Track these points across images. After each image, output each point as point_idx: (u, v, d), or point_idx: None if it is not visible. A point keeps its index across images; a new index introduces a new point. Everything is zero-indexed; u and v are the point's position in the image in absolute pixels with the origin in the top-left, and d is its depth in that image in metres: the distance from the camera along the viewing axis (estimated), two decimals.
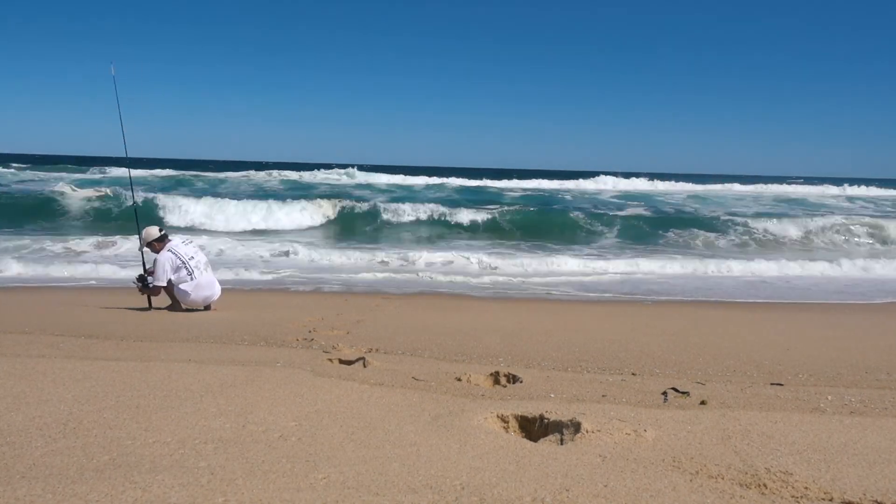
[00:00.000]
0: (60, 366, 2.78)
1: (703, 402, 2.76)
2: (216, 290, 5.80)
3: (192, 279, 5.64)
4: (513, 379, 3.21)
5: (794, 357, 4.20)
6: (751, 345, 4.60)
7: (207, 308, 5.79)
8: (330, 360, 3.57)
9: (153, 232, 5.84)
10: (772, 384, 3.33)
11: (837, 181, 45.61)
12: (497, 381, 3.22)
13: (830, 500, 1.74)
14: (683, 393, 2.94)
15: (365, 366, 3.40)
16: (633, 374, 3.61)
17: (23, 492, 1.53)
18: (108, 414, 2.15)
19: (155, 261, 5.69)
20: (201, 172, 33.79)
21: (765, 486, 1.80)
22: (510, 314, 5.94)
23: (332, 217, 17.04)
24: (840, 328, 5.64)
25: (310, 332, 4.71)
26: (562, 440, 2.15)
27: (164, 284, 5.62)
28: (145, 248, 5.83)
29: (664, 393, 2.94)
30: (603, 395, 2.86)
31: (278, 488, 1.62)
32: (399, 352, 4.06)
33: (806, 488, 1.79)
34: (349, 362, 3.53)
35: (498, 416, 2.36)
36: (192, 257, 5.73)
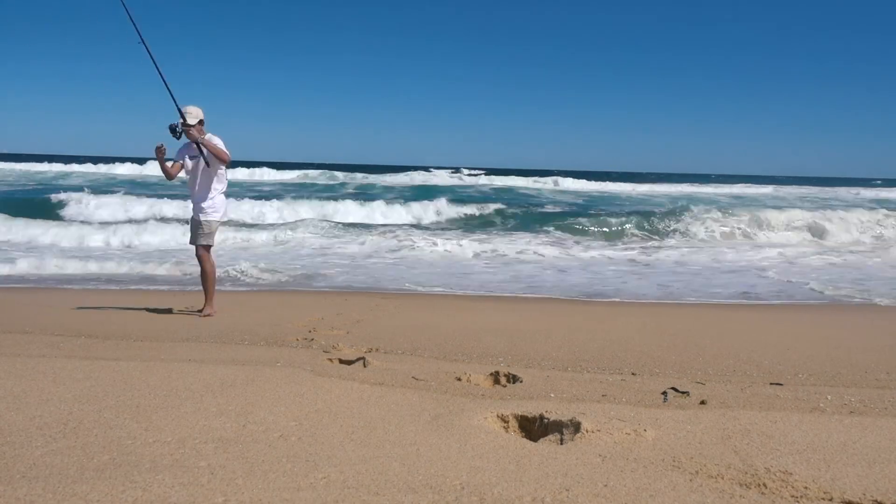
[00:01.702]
0: (60, 366, 2.78)
1: (703, 402, 2.76)
2: None
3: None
4: (513, 379, 3.21)
5: (794, 357, 4.20)
6: (751, 345, 4.60)
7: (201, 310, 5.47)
8: (330, 359, 3.57)
9: (201, 112, 5.20)
10: (772, 384, 3.33)
11: None
12: (497, 381, 3.22)
13: (830, 499, 1.74)
14: (683, 393, 2.94)
15: (365, 366, 3.40)
16: (633, 373, 3.61)
17: (23, 491, 1.53)
18: (108, 414, 2.15)
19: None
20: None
21: (765, 485, 1.80)
22: (510, 314, 5.94)
23: None
24: (840, 328, 5.63)
25: (310, 331, 4.71)
26: (562, 440, 2.15)
27: (228, 154, 5.12)
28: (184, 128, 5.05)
29: (664, 393, 2.94)
30: (603, 395, 2.86)
31: (278, 488, 1.62)
32: (399, 352, 4.06)
33: (806, 488, 1.79)
34: (349, 362, 3.53)
35: (498, 416, 2.36)
36: None
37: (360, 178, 35.38)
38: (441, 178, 38.07)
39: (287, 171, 37.98)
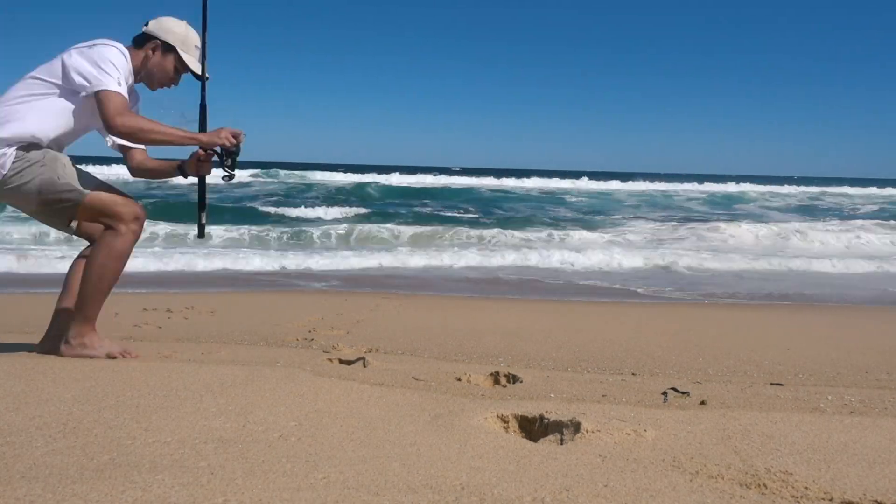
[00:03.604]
0: (60, 365, 2.78)
1: (703, 402, 2.76)
2: None
3: None
4: (513, 379, 3.21)
5: (794, 357, 4.20)
6: (751, 345, 4.60)
7: None
8: (330, 359, 3.57)
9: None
10: (772, 384, 3.33)
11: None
12: (497, 381, 3.22)
13: (830, 499, 1.74)
14: (683, 393, 2.94)
15: (365, 366, 3.40)
16: (633, 374, 3.61)
17: (23, 491, 1.53)
18: (108, 414, 2.15)
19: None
20: None
21: (765, 486, 1.80)
22: (510, 314, 5.94)
23: None
24: (840, 328, 5.63)
25: (310, 331, 4.71)
26: (562, 440, 2.15)
27: None
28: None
29: (664, 393, 2.94)
30: (603, 395, 2.86)
31: (278, 488, 1.61)
32: (399, 352, 4.06)
33: (806, 488, 1.79)
34: (349, 362, 3.53)
35: (498, 416, 2.36)
36: None
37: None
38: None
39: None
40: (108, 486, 1.58)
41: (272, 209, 19.29)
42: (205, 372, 2.76)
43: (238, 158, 3.00)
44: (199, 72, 3.06)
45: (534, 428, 2.33)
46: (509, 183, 38.51)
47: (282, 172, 37.35)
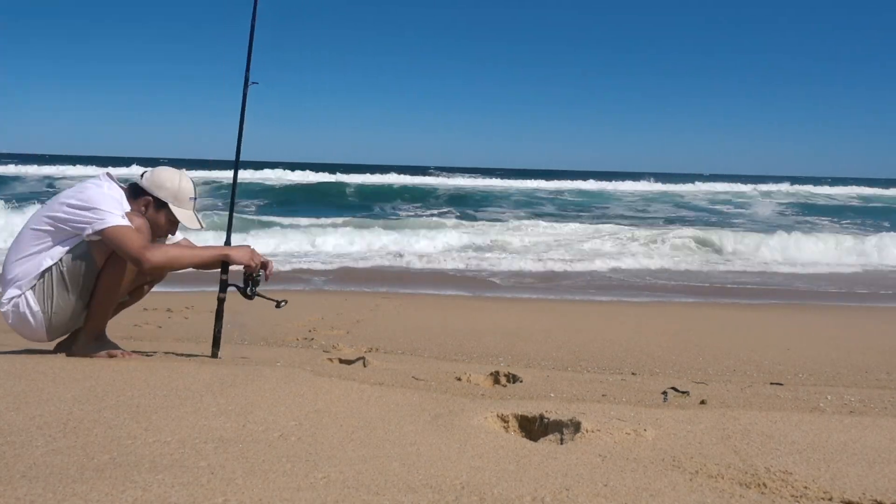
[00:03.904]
0: (60, 365, 2.78)
1: (702, 402, 2.76)
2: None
3: None
4: (513, 379, 3.21)
5: (794, 357, 4.20)
6: (751, 345, 4.60)
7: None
8: (330, 359, 3.57)
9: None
10: (772, 384, 3.33)
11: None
12: (497, 381, 3.23)
13: (830, 499, 1.74)
14: (683, 392, 2.94)
15: (365, 365, 3.40)
16: (633, 373, 3.61)
17: (23, 491, 1.53)
18: (108, 413, 2.15)
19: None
20: None
21: (764, 485, 1.80)
22: (510, 314, 5.94)
23: None
24: (840, 328, 5.64)
25: (310, 331, 4.71)
26: (562, 440, 2.15)
27: None
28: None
29: (664, 392, 2.94)
30: (603, 395, 2.86)
31: (278, 488, 1.62)
32: (399, 351, 4.06)
33: (805, 488, 1.79)
34: (349, 362, 3.53)
35: (498, 416, 2.36)
36: None
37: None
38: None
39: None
40: (109, 485, 1.58)
41: (262, 217, 19.47)
42: (205, 372, 2.77)
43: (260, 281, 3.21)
44: (192, 227, 3.10)
45: (534, 427, 2.33)
46: (498, 183, 38.91)
47: (274, 172, 37.44)
